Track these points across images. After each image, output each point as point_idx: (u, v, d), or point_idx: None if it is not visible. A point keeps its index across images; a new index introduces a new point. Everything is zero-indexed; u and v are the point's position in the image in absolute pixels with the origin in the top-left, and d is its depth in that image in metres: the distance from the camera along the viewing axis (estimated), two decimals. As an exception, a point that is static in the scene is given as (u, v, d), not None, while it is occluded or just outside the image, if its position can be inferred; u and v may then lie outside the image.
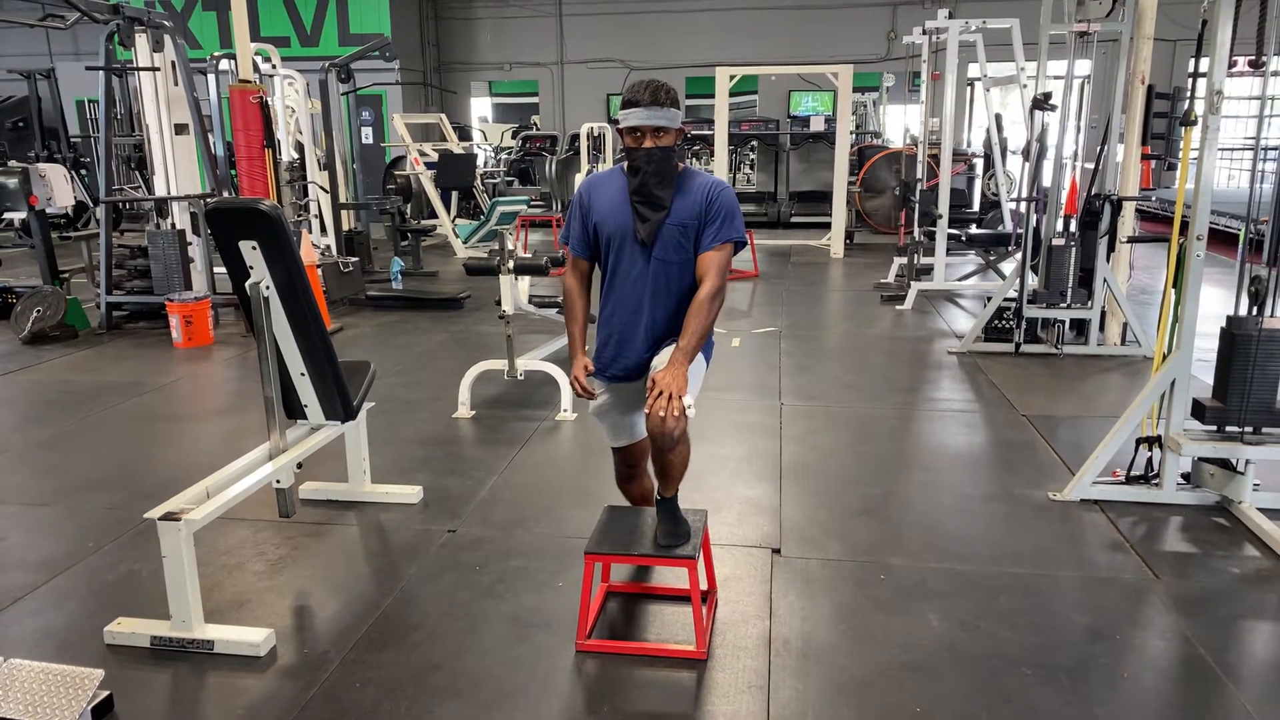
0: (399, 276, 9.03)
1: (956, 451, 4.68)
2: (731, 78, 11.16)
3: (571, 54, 16.51)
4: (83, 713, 2.49)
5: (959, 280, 8.97)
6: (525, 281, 5.39)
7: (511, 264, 5.01)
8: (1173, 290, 3.84)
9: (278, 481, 3.37)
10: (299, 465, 3.47)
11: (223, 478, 3.17)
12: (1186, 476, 3.92)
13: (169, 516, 2.83)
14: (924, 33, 8.64)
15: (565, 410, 5.13)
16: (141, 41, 7.05)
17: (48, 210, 7.36)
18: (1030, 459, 4.51)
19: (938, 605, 3.12)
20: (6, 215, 7.05)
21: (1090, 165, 6.48)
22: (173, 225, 7.34)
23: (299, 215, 9.12)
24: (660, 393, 2.69)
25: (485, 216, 11.55)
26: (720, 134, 11.21)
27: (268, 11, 15.29)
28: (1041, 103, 6.00)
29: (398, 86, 15.38)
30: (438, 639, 2.98)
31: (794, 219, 14.72)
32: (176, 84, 7.50)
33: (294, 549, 3.62)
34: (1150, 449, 3.92)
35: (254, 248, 3.16)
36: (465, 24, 16.90)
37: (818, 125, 14.85)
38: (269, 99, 7.67)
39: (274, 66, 9.59)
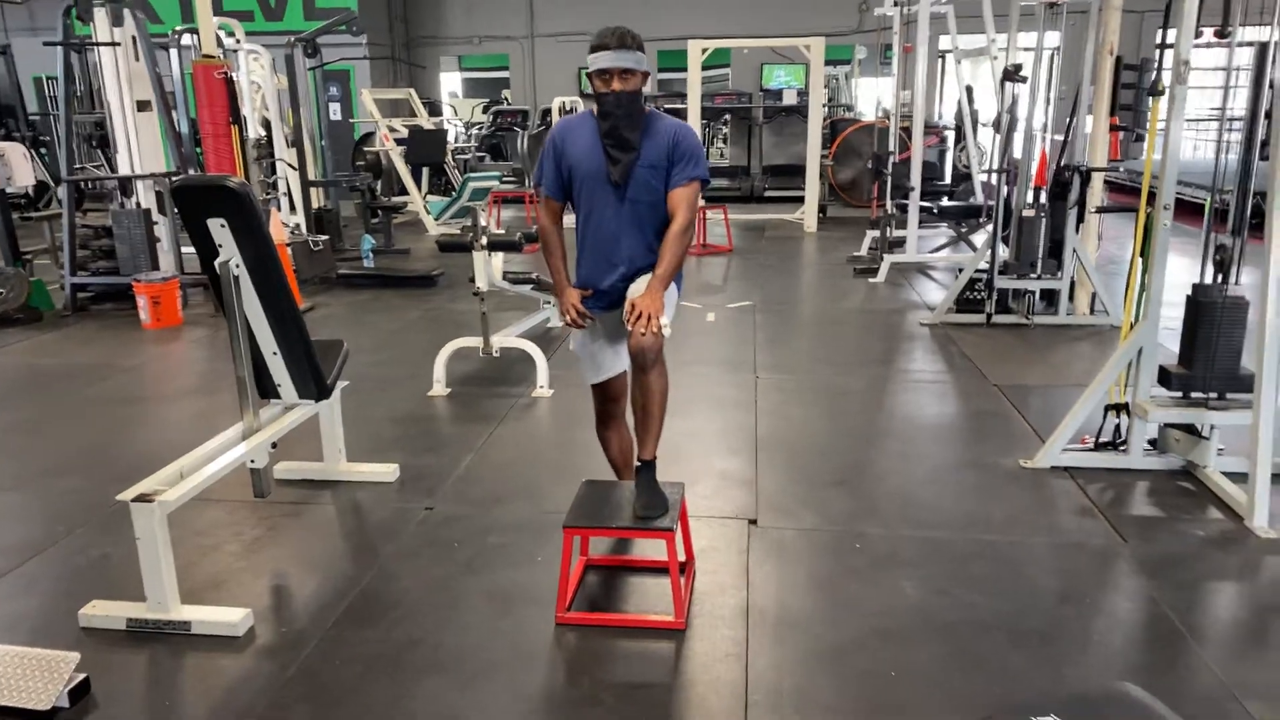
0: (370, 254, 8.94)
1: (929, 422, 4.73)
2: (704, 51, 11.09)
3: (542, 27, 16.33)
4: (59, 694, 2.47)
5: (931, 253, 9.03)
6: (499, 258, 5.36)
7: (485, 240, 4.98)
8: (1140, 260, 3.89)
9: (252, 461, 3.35)
10: (273, 445, 3.44)
11: (196, 458, 3.14)
12: (1154, 443, 4.00)
13: (142, 498, 2.81)
14: (895, 4, 8.62)
15: (541, 387, 5.12)
16: (100, 16, 6.88)
17: (7, 190, 7.18)
18: (1002, 428, 4.57)
19: (911, 573, 3.17)
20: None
21: (1060, 137, 6.53)
22: (138, 204, 7.21)
23: (267, 193, 9.01)
24: (640, 314, 2.87)
25: (457, 193, 11.46)
26: (693, 107, 11.16)
27: (232, -16, 14.96)
28: (1012, 74, 6.03)
29: (366, 62, 15.17)
30: (417, 615, 2.98)
31: (767, 193, 14.71)
32: (138, 59, 7.33)
33: (270, 529, 3.60)
34: (1118, 416, 3.99)
35: (222, 225, 3.12)
36: (433, -4, 16.66)
37: (790, 99, 14.79)
38: (233, 75, 7.54)
39: (238, 41, 9.40)
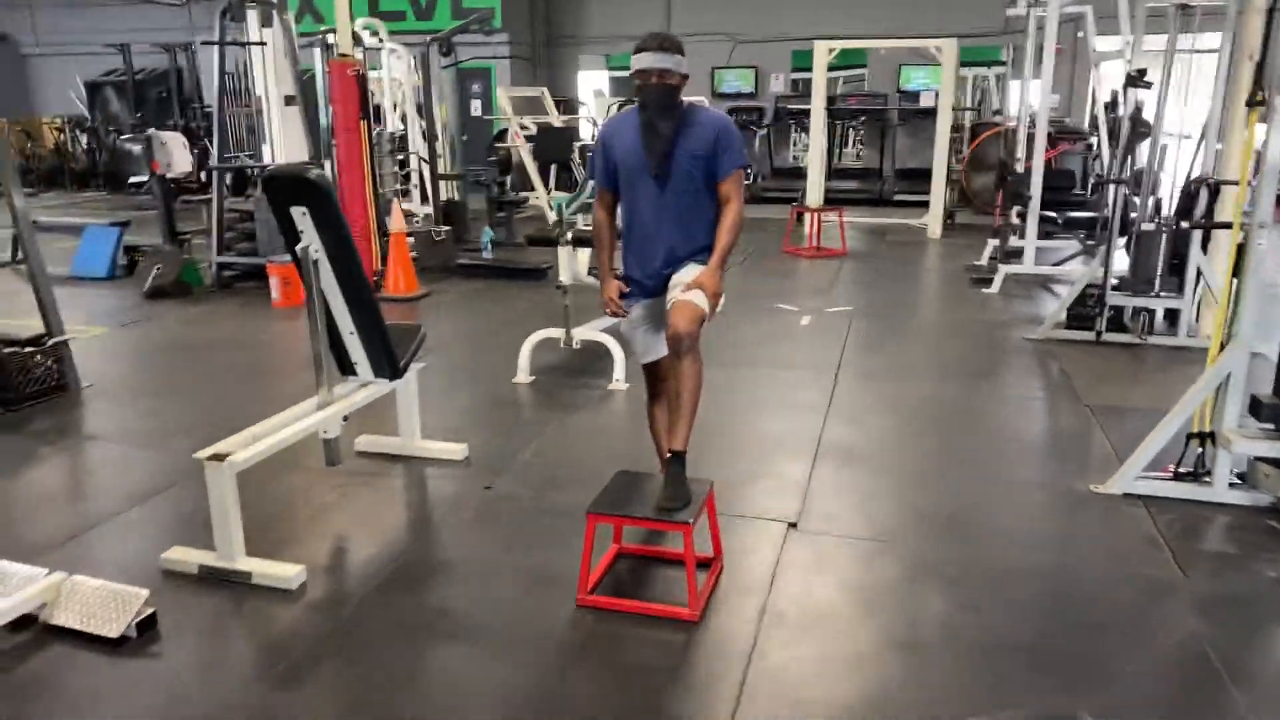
0: (489, 246, 9.33)
1: (1006, 438, 4.57)
2: (830, 51, 10.94)
3: (678, 27, 16.45)
4: (128, 625, 2.79)
5: (1055, 265, 8.61)
6: (585, 253, 5.52)
7: (569, 235, 5.15)
8: (1233, 279, 3.65)
9: (325, 432, 3.64)
10: (345, 418, 3.72)
11: (270, 425, 3.45)
12: (1243, 476, 3.74)
13: (215, 457, 3.12)
14: (1028, 4, 8.27)
15: (618, 380, 5.25)
16: (252, 17, 7.50)
17: (168, 175, 7.95)
18: (1081, 450, 4.37)
19: (947, 588, 3.11)
20: (134, 179, 7.65)
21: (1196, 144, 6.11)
22: (277, 192, 7.81)
23: (399, 185, 9.55)
24: (693, 286, 3.10)
25: (579, 189, 11.74)
26: (816, 108, 11.03)
27: (387, -13, 15.86)
28: (1135, 79, 5.70)
29: (507, 60, 15.74)
30: (453, 586, 3.18)
31: (897, 197, 14.34)
32: (286, 57, 7.95)
33: (341, 496, 3.89)
34: (1202, 444, 3.75)
35: (304, 214, 3.40)
36: (575, -3, 17.09)
37: (928, 101, 14.35)
38: (366, 72, 8.04)
39: (380, 40, 10.00)
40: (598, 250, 3.46)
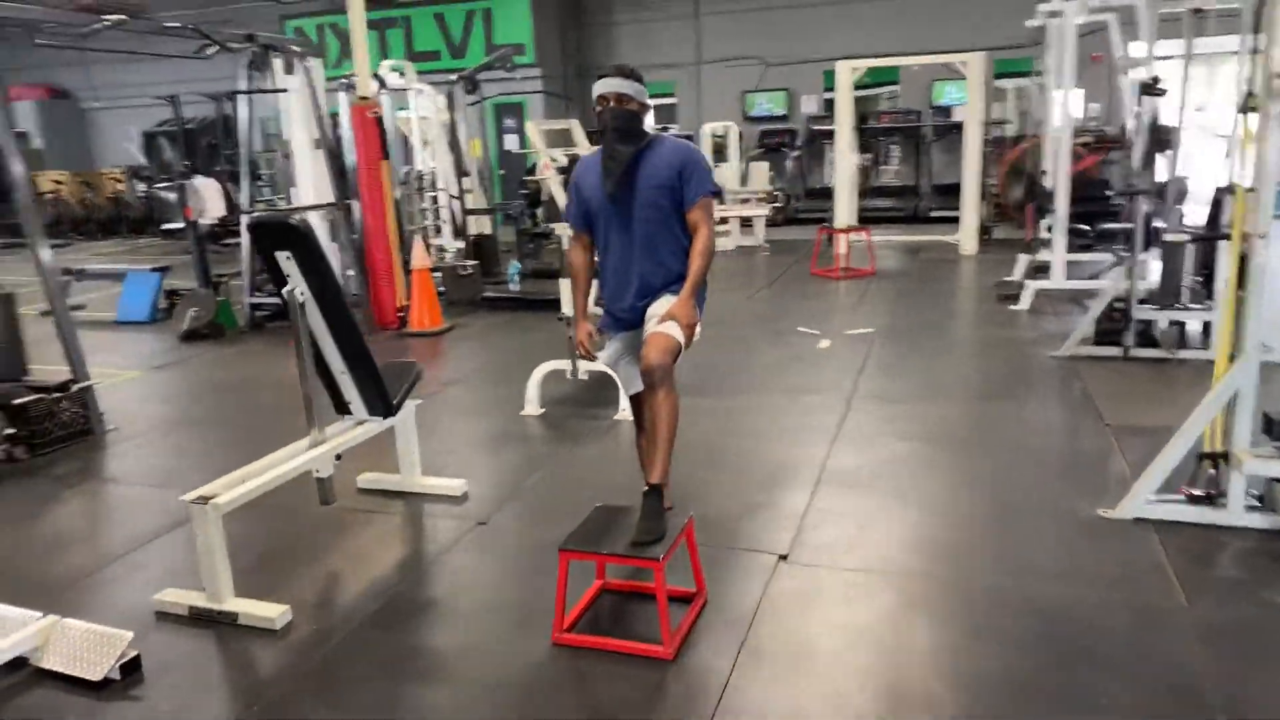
0: (515, 278, 9.43)
1: (1018, 462, 4.43)
2: (854, 70, 10.88)
3: (709, 52, 16.56)
4: (111, 668, 2.85)
5: (1089, 279, 8.37)
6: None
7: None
8: (1239, 290, 3.50)
9: (317, 471, 3.69)
10: (338, 457, 3.77)
11: (260, 465, 3.51)
12: (1262, 498, 3.57)
13: (201, 499, 3.18)
14: (1045, 16, 8.12)
15: (624, 410, 5.24)
16: (277, 65, 7.73)
17: (201, 220, 8.21)
18: (1097, 474, 4.21)
19: (935, 621, 3.02)
20: (167, 226, 7.93)
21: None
22: (303, 233, 8.00)
23: (428, 221, 9.71)
24: (666, 318, 3.13)
25: (607, 218, 11.82)
26: (842, 129, 10.96)
27: (421, 28, 16.27)
28: (1150, 87, 5.55)
29: (541, 93, 15.98)
30: (434, 624, 3.19)
31: (933, 213, 14.15)
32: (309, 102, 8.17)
33: (337, 533, 3.94)
34: (1214, 465, 3.60)
35: (288, 258, 3.47)
36: (606, 29, 17.29)
37: (961, 116, 14.18)
38: (393, 113, 8.22)
39: (406, 80, 10.22)
40: (572, 291, 3.49)
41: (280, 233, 3.44)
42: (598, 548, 2.96)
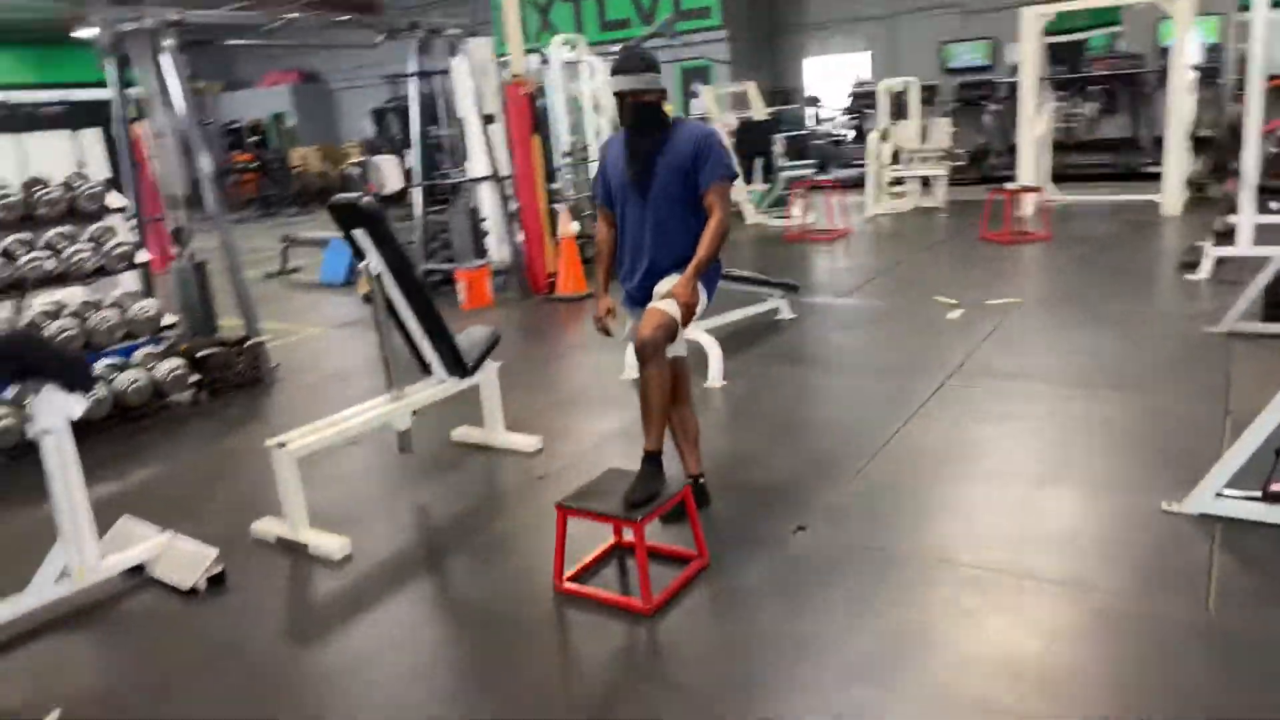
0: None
1: (1105, 448, 4.14)
2: (1041, 16, 10.04)
3: (905, 2, 15.77)
4: (199, 579, 3.44)
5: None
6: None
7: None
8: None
9: (396, 424, 4.16)
10: (415, 412, 4.22)
11: (341, 416, 4.01)
12: (1356, 500, 3.17)
13: (279, 444, 3.71)
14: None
15: (714, 379, 5.36)
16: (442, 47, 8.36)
17: (382, 193, 9.09)
18: (1189, 466, 3.83)
19: (932, 605, 2.98)
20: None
21: None
22: (465, 204, 8.66)
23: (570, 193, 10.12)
24: (665, 295, 3.25)
25: (772, 183, 11.76)
26: (1027, 80, 10.18)
27: (613, -2, 16.68)
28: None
29: (728, 56, 15.94)
30: (464, 568, 3.56)
31: (1148, 168, 12.78)
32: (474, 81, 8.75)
33: (419, 479, 4.41)
34: (1294, 462, 3.22)
35: (364, 235, 3.92)
36: (799, -15, 16.89)
37: (1194, 57, 12.63)
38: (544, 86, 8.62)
39: (578, 55, 10.62)
40: (596, 266, 3.65)
41: (353, 213, 3.89)
42: (592, 506, 3.18)
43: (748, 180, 12.40)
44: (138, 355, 5.65)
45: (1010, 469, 3.98)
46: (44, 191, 5.47)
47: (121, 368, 5.48)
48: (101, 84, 6.36)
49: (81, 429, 5.14)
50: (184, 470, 4.89)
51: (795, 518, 3.64)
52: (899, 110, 12.30)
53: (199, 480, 4.71)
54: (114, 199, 5.80)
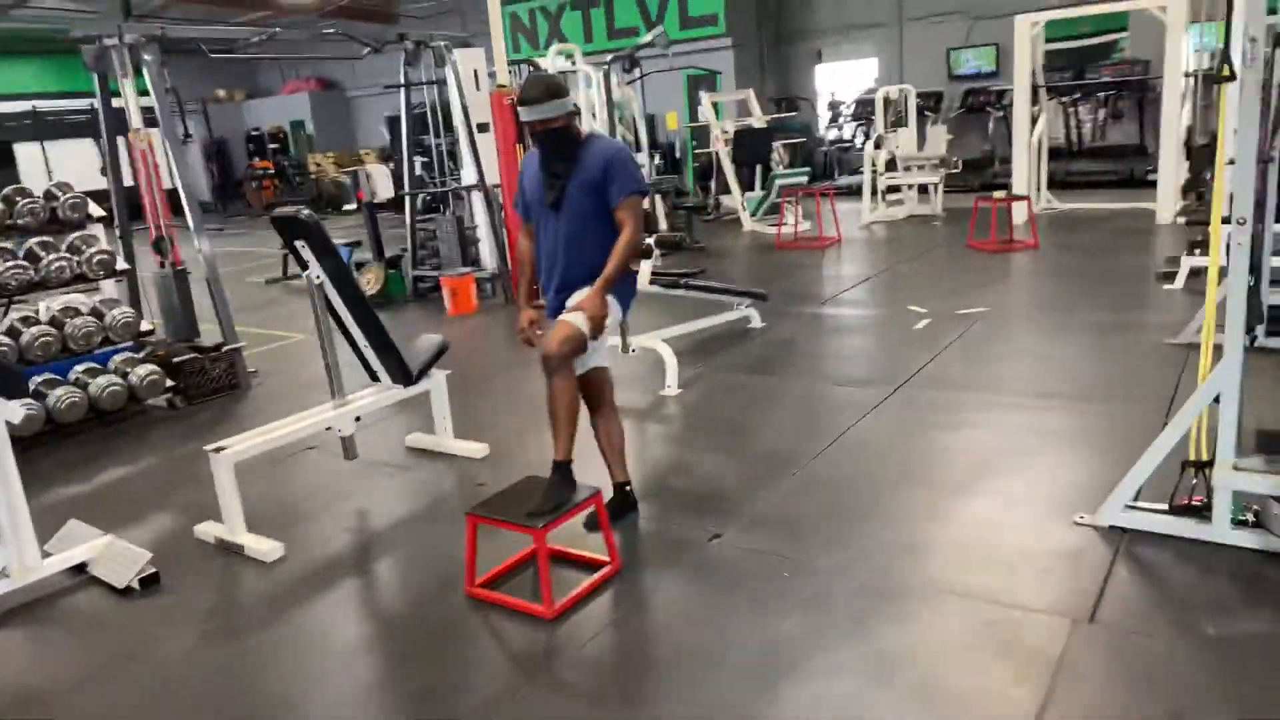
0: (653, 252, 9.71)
1: (1036, 459, 4.15)
2: (1034, 25, 10.01)
3: (910, 9, 15.73)
4: (133, 579, 3.56)
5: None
6: (649, 261, 5.75)
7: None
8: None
9: (340, 430, 4.28)
10: (357, 418, 4.33)
11: (283, 423, 4.13)
12: (1258, 514, 3.17)
13: (218, 449, 3.84)
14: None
15: (670, 387, 5.43)
16: (429, 59, 8.51)
17: (374, 201, 9.26)
18: (1116, 479, 3.86)
19: (830, 613, 3.03)
20: (346, 207, 9.04)
21: None
22: (452, 212, 8.81)
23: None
24: (574, 309, 3.35)
25: (765, 190, 11.81)
26: (1021, 90, 10.15)
27: (621, 7, 16.77)
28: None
29: (733, 64, 16.01)
30: (388, 572, 3.66)
31: (1151, 175, 12.65)
32: (478, 89, 8.89)
33: (366, 483, 4.51)
34: (1197, 474, 3.23)
35: (304, 246, 4.05)
36: (805, -8, 16.90)
37: (1196, 63, 12.51)
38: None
39: (573, 64, 10.76)
40: (518, 277, 3.75)
41: (294, 225, 4.01)
42: (497, 514, 3.26)
43: (748, 187, 12.45)
44: (114, 361, 5.82)
45: (938, 479, 4.01)
46: (27, 202, 5.67)
47: (97, 373, 5.65)
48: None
49: (54, 434, 5.41)
50: (146, 473, 5.03)
51: (717, 525, 3.70)
52: (897, 120, 12.29)
53: (158, 483, 4.86)
54: (95, 209, 5.99)
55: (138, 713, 2.86)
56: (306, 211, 4.02)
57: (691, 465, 4.46)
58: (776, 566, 3.36)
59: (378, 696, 2.84)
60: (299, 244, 4.04)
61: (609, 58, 10.53)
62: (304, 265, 4.14)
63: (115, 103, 6.43)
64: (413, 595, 3.43)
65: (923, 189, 11.96)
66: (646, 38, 10.74)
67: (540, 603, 3.17)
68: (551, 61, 10.65)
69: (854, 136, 16.63)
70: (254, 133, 23.20)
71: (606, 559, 3.40)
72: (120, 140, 6.56)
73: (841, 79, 17.15)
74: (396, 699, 2.81)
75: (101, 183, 8.16)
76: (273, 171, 21.75)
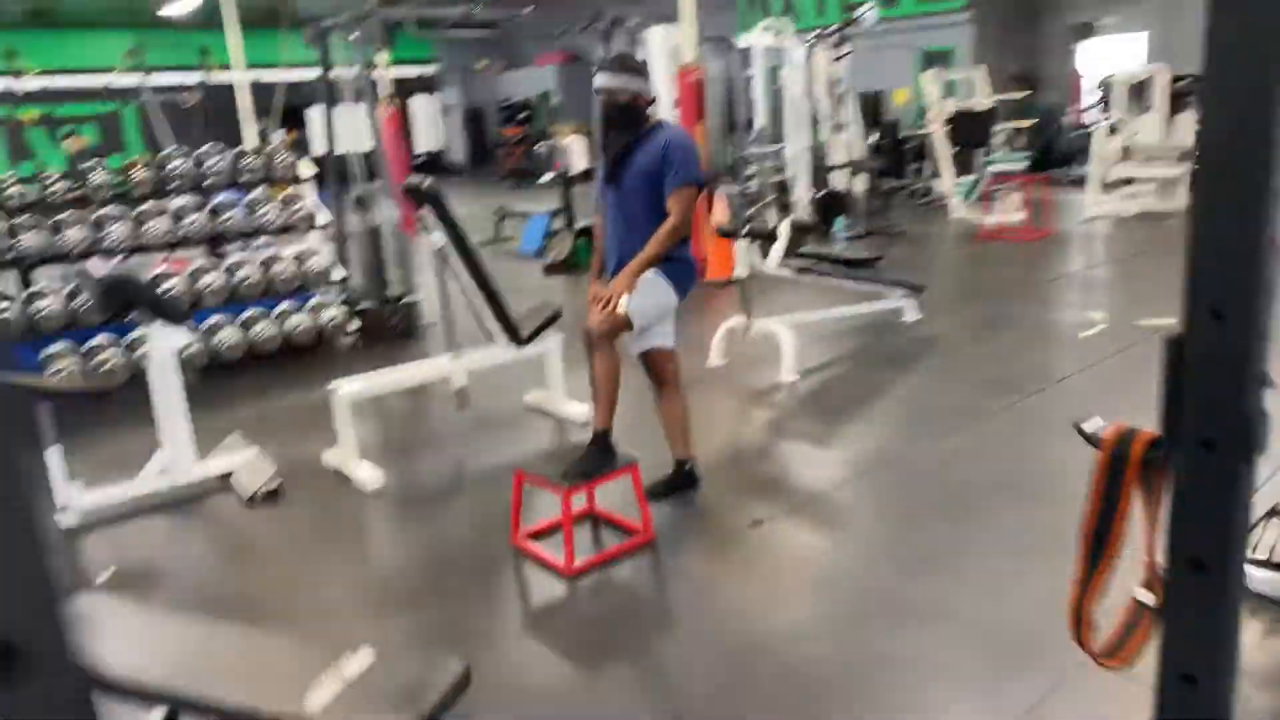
0: (842, 235, 9.51)
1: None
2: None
3: (1188, -20, 13.98)
4: (257, 491, 4.18)
5: None
6: (780, 242, 5.72)
7: (746, 229, 5.44)
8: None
9: (455, 382, 4.71)
10: (468, 373, 4.74)
11: (402, 368, 4.62)
12: (1360, 581, 2.75)
13: (337, 387, 4.37)
14: None
15: (786, 373, 5.39)
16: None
17: (569, 174, 9.75)
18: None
19: (831, 623, 3.02)
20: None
21: None
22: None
23: (770, 177, 10.19)
24: (607, 293, 3.47)
25: (977, 175, 11.11)
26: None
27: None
28: None
29: (973, 39, 15.06)
30: (456, 509, 4.05)
31: None
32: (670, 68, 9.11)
33: (472, 431, 4.92)
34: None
35: (429, 212, 4.46)
36: (1062, -39, 15.51)
37: None
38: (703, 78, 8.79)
39: (779, 39, 10.66)
40: (594, 252, 3.90)
41: (419, 193, 4.43)
42: (541, 472, 3.50)
43: (964, 171, 11.77)
44: (309, 304, 6.67)
45: (1031, 490, 3.77)
46: (248, 160, 6.60)
47: (293, 313, 6.51)
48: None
49: (253, 360, 6.31)
50: (310, 402, 5.71)
51: (768, 512, 3.72)
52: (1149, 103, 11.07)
53: (316, 412, 5.52)
54: (303, 169, 6.85)
55: (223, 594, 3.41)
56: (429, 182, 4.43)
57: (770, 452, 4.47)
58: (802, 559, 3.35)
59: (393, 610, 3.19)
60: (424, 210, 4.47)
61: (814, 33, 10.32)
62: (429, 229, 4.56)
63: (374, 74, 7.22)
64: (468, 537, 3.76)
65: (1166, 184, 10.72)
66: (860, 12, 10.41)
67: (577, 559, 3.37)
68: (758, 38, 10.60)
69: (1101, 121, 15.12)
70: (506, 102, 24.86)
71: (640, 527, 3.54)
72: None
73: (1105, 56, 15.62)
74: (409, 619, 3.14)
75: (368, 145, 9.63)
76: (518, 139, 23.23)
